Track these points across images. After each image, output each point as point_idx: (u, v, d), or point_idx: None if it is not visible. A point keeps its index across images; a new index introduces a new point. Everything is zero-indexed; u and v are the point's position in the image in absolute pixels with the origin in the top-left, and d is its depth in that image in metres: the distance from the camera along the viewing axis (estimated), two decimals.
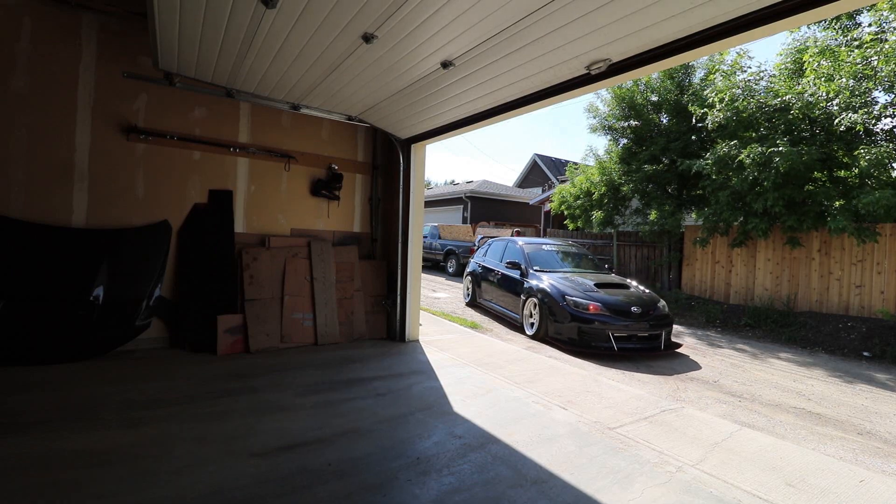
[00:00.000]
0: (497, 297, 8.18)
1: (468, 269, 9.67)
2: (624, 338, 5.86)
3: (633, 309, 6.01)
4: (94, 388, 3.60)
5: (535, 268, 7.36)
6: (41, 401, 3.31)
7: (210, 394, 3.63)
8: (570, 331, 6.03)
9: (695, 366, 5.76)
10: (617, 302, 6.12)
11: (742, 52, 9.21)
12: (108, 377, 3.87)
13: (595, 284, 6.63)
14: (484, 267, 8.89)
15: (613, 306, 6.03)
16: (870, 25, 7.56)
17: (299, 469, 2.57)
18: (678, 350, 6.36)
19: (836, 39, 7.82)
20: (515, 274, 7.57)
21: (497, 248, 8.88)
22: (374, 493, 2.37)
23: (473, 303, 9.21)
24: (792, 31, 8.67)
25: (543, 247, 8.35)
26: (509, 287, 7.69)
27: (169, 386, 3.76)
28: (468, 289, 9.47)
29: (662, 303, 6.49)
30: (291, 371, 4.33)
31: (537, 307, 6.66)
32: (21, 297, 4.06)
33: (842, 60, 7.38)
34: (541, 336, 6.51)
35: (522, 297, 7.09)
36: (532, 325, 6.78)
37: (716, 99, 8.85)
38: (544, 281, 6.79)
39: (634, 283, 7.30)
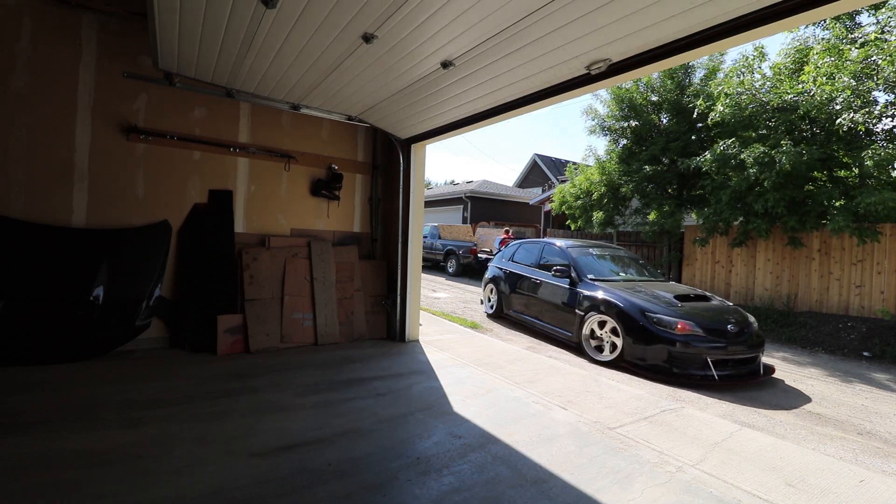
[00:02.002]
0: (537, 309, 6.95)
1: (489, 275, 8.47)
2: (719, 362, 4.91)
3: (730, 327, 5.05)
4: (94, 388, 3.60)
5: (588, 276, 6.25)
6: (41, 401, 3.31)
7: (210, 394, 3.63)
8: (655, 355, 5.02)
9: (804, 398, 4.75)
10: (710, 319, 5.14)
11: (759, 51, 9.08)
12: (108, 377, 3.87)
13: (675, 297, 5.61)
14: (512, 273, 7.71)
15: (707, 324, 5.03)
16: (876, 24, 7.56)
17: (299, 469, 2.57)
18: (773, 375, 5.36)
19: (841, 38, 7.81)
20: (563, 283, 6.40)
21: (529, 252, 7.75)
22: (374, 493, 2.37)
23: (499, 314, 8.01)
24: (792, 31, 8.67)
25: (591, 250, 7.11)
26: (556, 299, 6.50)
27: (169, 386, 3.76)
28: (490, 298, 8.28)
29: (752, 318, 5.53)
30: (291, 371, 4.33)
31: (607, 326, 5.57)
32: (21, 297, 4.06)
33: (845, 59, 7.38)
34: (614, 360, 5.37)
35: (579, 312, 5.96)
36: (599, 347, 5.67)
37: (720, 92, 8.82)
38: (609, 293, 5.72)
39: (713, 294, 6.35)
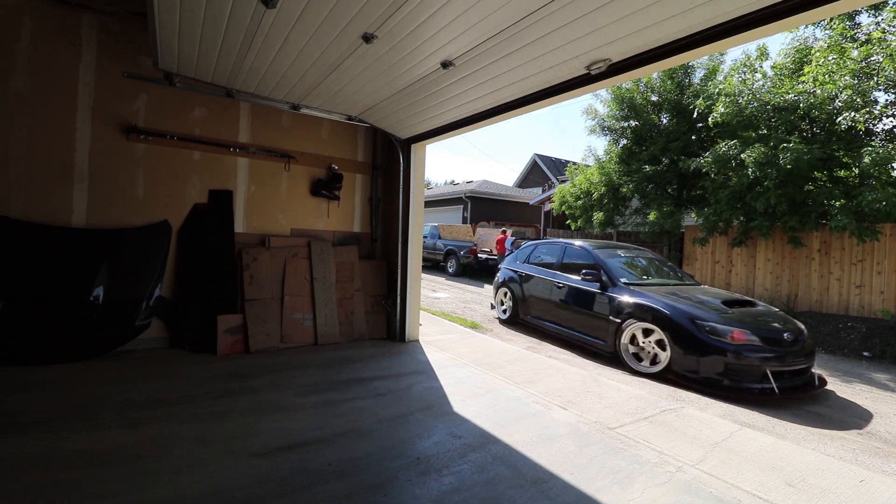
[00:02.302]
0: (561, 316, 6.48)
1: (501, 278, 7.97)
2: (776, 374, 4.49)
3: (786, 335, 4.64)
4: (94, 388, 3.60)
5: (622, 280, 5.80)
6: (41, 401, 3.31)
7: (210, 394, 3.63)
8: (710, 366, 4.57)
9: (864, 414, 4.37)
10: (765, 327, 4.72)
11: (761, 50, 9.06)
12: (108, 377, 3.87)
13: (723, 302, 5.18)
14: (530, 276, 7.24)
15: (762, 333, 4.60)
16: (877, 25, 7.57)
17: (299, 469, 2.57)
18: (826, 387, 4.97)
19: (844, 35, 7.82)
20: (593, 287, 5.93)
21: (548, 254, 7.25)
22: (374, 493, 2.37)
23: (514, 320, 7.53)
24: (792, 31, 8.68)
25: (618, 252, 6.62)
26: (584, 304, 6.03)
27: (169, 386, 3.76)
28: (504, 303, 7.80)
29: (802, 325, 5.12)
30: (291, 371, 4.33)
31: (650, 335, 5.11)
32: (21, 297, 4.05)
33: (846, 57, 7.38)
34: (660, 372, 4.94)
35: (615, 320, 5.48)
36: (642, 358, 5.21)
37: (720, 91, 8.82)
38: (650, 298, 5.25)
39: (755, 299, 6.03)
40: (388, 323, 6.02)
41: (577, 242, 6.92)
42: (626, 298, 5.49)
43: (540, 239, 12.29)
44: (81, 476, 2.37)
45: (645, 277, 6.25)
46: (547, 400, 3.95)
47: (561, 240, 7.42)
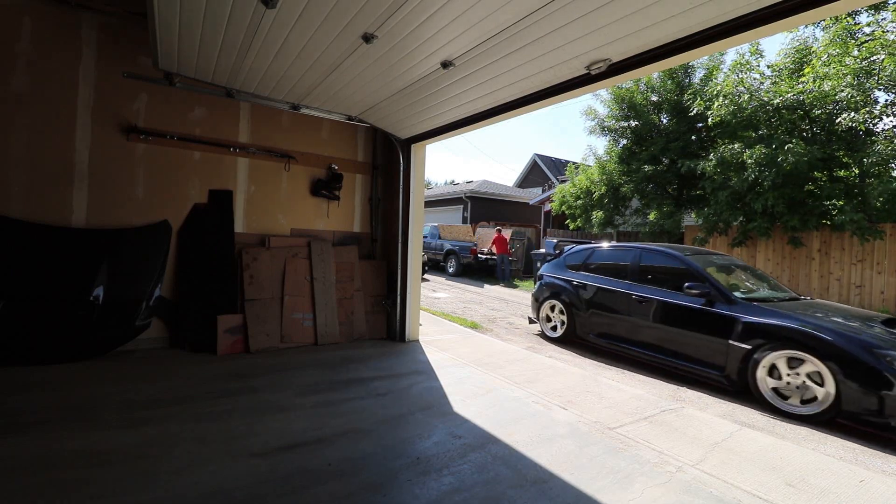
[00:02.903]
0: (647, 336, 5.32)
1: (547, 287, 6.72)
2: None
3: None
4: (94, 388, 3.60)
5: (737, 295, 4.76)
6: (41, 401, 3.31)
7: (210, 394, 3.63)
8: None
9: None
10: None
11: (755, 49, 9.08)
12: (108, 377, 3.87)
13: (883, 322, 4.37)
14: (589, 287, 6.10)
15: None
16: (877, 25, 7.57)
17: (299, 469, 2.57)
18: None
19: (846, 30, 7.82)
20: (696, 303, 4.88)
21: (612, 259, 6.19)
22: (374, 493, 2.37)
23: (569, 337, 6.32)
24: (792, 31, 8.69)
25: (713, 258, 5.60)
26: (685, 324, 4.97)
27: (169, 386, 3.76)
28: (552, 318, 6.64)
29: None
30: (291, 371, 4.33)
31: (802, 366, 4.04)
32: (21, 297, 4.06)
33: (849, 52, 7.39)
34: (822, 413, 3.90)
35: (739, 345, 4.41)
36: (787, 395, 4.14)
37: (718, 91, 8.83)
38: (790, 319, 4.23)
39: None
40: (388, 323, 6.02)
41: (659, 247, 5.87)
42: (753, 318, 4.44)
43: (541, 239, 12.26)
44: (81, 476, 2.37)
45: (756, 291, 5.24)
46: (547, 400, 3.95)
47: (632, 244, 6.25)
